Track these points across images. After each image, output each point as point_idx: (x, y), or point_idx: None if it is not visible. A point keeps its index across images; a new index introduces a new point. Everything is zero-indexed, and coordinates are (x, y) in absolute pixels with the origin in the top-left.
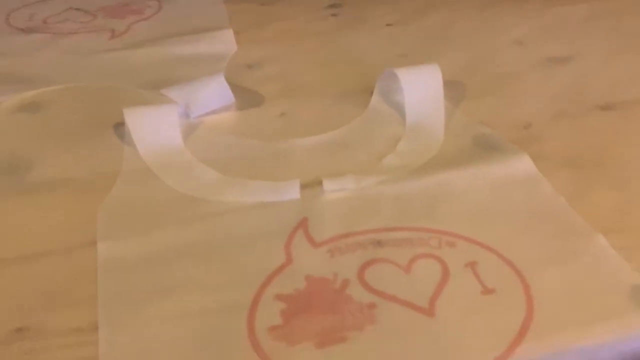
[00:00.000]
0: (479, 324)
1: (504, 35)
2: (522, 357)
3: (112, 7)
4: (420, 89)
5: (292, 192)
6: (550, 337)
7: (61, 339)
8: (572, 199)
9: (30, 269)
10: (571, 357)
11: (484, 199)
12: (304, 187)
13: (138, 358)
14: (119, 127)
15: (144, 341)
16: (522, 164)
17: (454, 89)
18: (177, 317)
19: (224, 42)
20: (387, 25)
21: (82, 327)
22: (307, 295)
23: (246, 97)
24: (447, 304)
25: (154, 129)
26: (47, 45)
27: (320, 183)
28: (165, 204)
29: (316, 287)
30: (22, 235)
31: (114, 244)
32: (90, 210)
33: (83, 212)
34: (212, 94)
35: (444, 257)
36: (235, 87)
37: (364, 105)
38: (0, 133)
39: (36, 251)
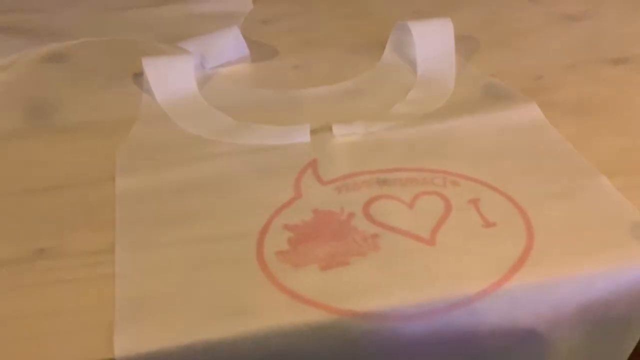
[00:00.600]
0: (478, 253)
1: None
2: (520, 283)
3: None
4: (432, 41)
5: (302, 135)
6: (549, 266)
7: (79, 258)
8: (578, 143)
9: (54, 198)
10: (568, 285)
11: (490, 142)
12: (314, 131)
13: (151, 276)
14: (138, 76)
15: (157, 261)
16: (530, 111)
17: (466, 43)
18: (189, 241)
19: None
20: None
21: (99, 249)
22: (314, 225)
23: (260, 51)
24: (448, 234)
25: (171, 77)
26: (71, 3)
27: (330, 128)
28: (180, 145)
29: (323, 218)
30: (47, 170)
31: (131, 178)
32: (109, 150)
33: (103, 151)
34: (227, 46)
35: (448, 194)
36: (250, 42)
37: (376, 59)
38: (27, 80)
39: (59, 184)
